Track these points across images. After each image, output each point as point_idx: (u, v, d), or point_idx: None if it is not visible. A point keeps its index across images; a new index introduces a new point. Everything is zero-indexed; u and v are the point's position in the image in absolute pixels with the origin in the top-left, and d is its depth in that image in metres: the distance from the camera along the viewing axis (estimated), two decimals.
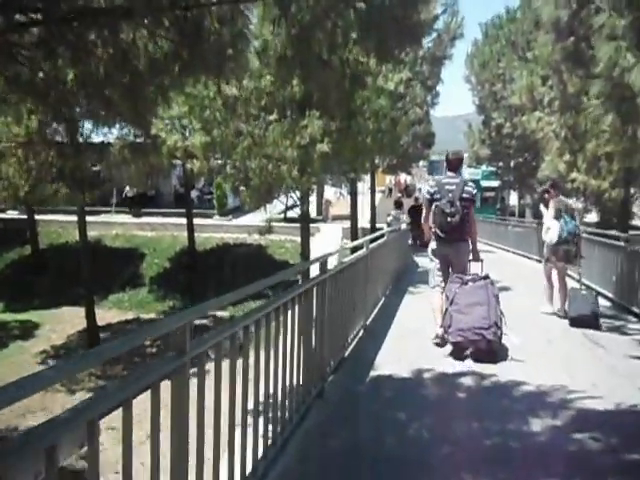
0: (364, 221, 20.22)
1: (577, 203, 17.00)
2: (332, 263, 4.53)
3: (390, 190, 28.34)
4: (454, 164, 5.57)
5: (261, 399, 2.79)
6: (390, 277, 8.40)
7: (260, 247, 19.07)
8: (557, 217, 6.48)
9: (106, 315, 15.98)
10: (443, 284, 5.41)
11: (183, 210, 18.80)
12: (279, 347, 3.02)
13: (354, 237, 15.00)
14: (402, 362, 4.74)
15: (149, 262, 18.55)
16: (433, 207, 5.31)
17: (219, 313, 13.86)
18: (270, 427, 2.85)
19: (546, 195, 7.16)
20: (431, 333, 5.71)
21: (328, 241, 19.19)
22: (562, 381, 4.27)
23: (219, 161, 8.43)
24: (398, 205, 14.87)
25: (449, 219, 5.19)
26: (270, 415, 2.88)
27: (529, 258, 12.92)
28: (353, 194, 15.10)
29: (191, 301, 16.27)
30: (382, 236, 7.66)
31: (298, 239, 20.85)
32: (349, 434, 3.35)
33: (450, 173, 5.52)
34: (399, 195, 20.13)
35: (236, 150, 8.02)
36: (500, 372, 4.42)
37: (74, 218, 20.81)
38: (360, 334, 5.47)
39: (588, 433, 3.36)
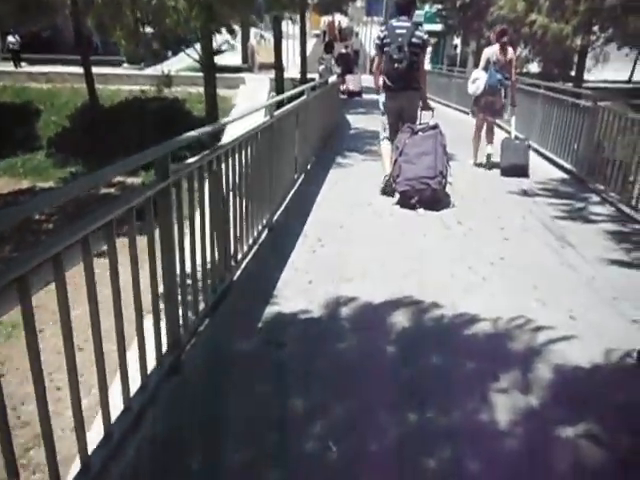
0: (295, 71, 17.64)
1: (520, 52, 15.31)
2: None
3: (325, 34, 24.98)
4: (404, 6, 5.15)
5: None
6: (314, 145, 6.69)
7: (176, 101, 16.41)
8: (485, 68, 6.18)
9: None
10: (391, 137, 5.30)
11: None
12: None
13: (280, 90, 12.72)
14: (315, 286, 3.29)
15: (45, 120, 15.65)
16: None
17: (129, 180, 11.89)
18: None
19: (491, 35, 6.68)
20: (360, 228, 4.37)
21: (253, 95, 16.78)
22: (528, 311, 3.01)
23: None
24: (329, 49, 12.52)
25: (396, 65, 5.00)
26: None
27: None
28: (277, 38, 12.44)
29: (97, 166, 14.00)
30: (302, 94, 5.78)
31: (220, 92, 18.26)
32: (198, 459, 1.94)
33: (402, 17, 5.11)
34: (331, 39, 17.46)
35: None
36: (448, 302, 3.08)
37: None
38: (262, 239, 3.92)
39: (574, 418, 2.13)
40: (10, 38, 18.98)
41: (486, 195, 5.45)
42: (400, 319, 2.92)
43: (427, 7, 20.43)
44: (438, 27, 18.76)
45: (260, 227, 3.92)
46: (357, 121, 10.39)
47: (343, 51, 14.73)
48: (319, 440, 2.05)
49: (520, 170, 6.09)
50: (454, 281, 3.40)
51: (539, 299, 3.17)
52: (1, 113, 15.36)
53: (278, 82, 12.82)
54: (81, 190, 1.77)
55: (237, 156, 3.19)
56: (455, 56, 19.53)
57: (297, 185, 5.37)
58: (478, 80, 6.18)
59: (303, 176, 5.72)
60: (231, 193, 3.14)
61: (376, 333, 2.79)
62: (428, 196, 4.82)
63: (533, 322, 2.91)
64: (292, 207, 4.79)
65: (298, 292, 3.19)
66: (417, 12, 20.04)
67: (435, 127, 5.09)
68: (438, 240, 4.15)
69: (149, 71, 18.39)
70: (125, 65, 18.58)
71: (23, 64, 18.82)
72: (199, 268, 2.67)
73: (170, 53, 20.12)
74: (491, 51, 6.21)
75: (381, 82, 5.25)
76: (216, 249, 2.92)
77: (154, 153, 2.10)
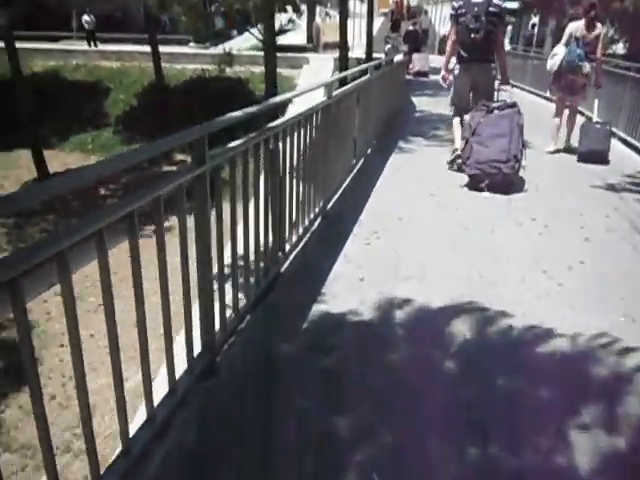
0: (361, 51, 17.12)
1: (607, 31, 14.14)
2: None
3: (392, 13, 24.11)
4: None
5: None
6: (375, 127, 6.32)
7: (240, 81, 16.38)
8: (567, 43, 5.76)
9: (67, 159, 14.07)
10: (461, 112, 5.12)
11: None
12: None
13: (344, 70, 12.32)
14: (367, 283, 3.00)
15: (114, 98, 16.05)
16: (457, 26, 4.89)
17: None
18: None
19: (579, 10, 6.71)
20: (421, 221, 4.03)
21: (317, 74, 16.45)
22: (613, 328, 2.59)
23: None
24: (395, 27, 12.03)
25: (472, 35, 4.79)
26: None
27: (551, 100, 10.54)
28: (342, 15, 11.99)
29: None
30: (365, 73, 5.42)
31: (283, 71, 18.07)
32: None
33: None
34: (397, 17, 16.82)
35: None
36: (518, 312, 2.70)
37: (37, 45, 17.84)
38: (314, 227, 3.66)
39: None
40: (86, 17, 19.47)
41: (564, 187, 4.92)
42: (461, 328, 2.59)
43: None
44: (514, 4, 17.55)
45: (313, 215, 3.65)
46: (423, 103, 9.88)
47: (411, 28, 14.11)
48: (360, 469, 1.78)
49: (599, 156, 5.63)
50: (526, 287, 3.01)
51: (627, 314, 2.73)
52: (74, 91, 15.88)
53: (342, 62, 12.40)
54: (113, 169, 1.59)
55: (289, 139, 2.93)
56: (532, 36, 18.24)
57: (355, 171, 5.05)
58: (556, 56, 5.81)
59: (362, 161, 5.39)
60: (281, 179, 2.90)
61: (433, 343, 2.47)
62: (499, 181, 4.56)
63: (620, 342, 2.49)
64: (349, 194, 4.49)
65: (349, 290, 2.92)
66: None
67: (513, 105, 4.80)
68: (508, 238, 3.74)
69: (214, 50, 18.43)
70: (191, 44, 18.69)
71: (98, 43, 19.31)
72: (240, 261, 2.45)
73: (235, 32, 20.10)
74: (576, 26, 5.76)
75: (453, 62, 5.07)
76: (261, 239, 2.69)
77: (190, 135, 1.87)
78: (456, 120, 5.20)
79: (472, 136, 4.71)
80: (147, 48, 15.86)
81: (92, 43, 19.12)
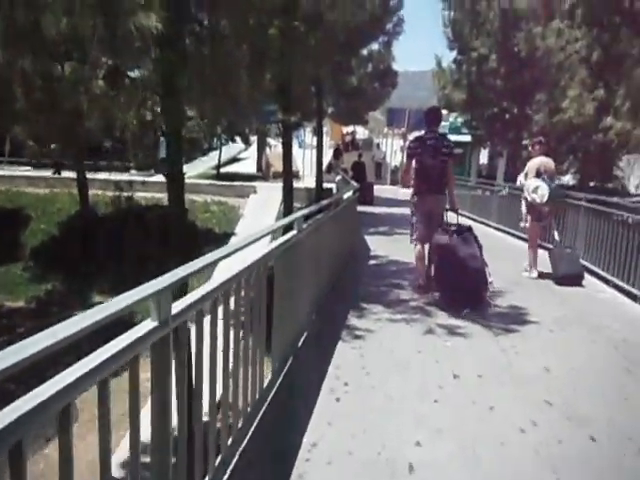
0: (312, 180, 15.88)
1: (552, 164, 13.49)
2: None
3: (346, 144, 23.67)
4: (433, 119, 5.40)
5: None
6: (313, 295, 4.20)
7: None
8: (538, 177, 5.99)
9: None
10: (421, 236, 5.21)
11: (91, 162, 14.06)
12: None
13: (288, 205, 10.60)
14: None
15: (34, 228, 13.80)
16: (414, 162, 5.21)
17: None
18: None
19: (530, 148, 6.64)
20: None
21: (265, 203, 14.90)
22: None
23: None
24: (337, 155, 10.93)
25: (429, 172, 5.10)
26: None
27: (511, 234, 8.92)
28: (286, 146, 10.54)
29: (79, 283, 11.77)
30: (290, 227, 3.39)
31: (229, 200, 16.45)
32: None
33: (431, 128, 5.30)
34: (339, 145, 16.00)
35: None
36: None
37: None
38: None
39: None
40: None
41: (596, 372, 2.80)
42: None
43: (451, 118, 18.98)
44: (466, 138, 17.00)
45: None
46: (378, 245, 8.03)
47: (357, 159, 13.18)
48: None
49: (577, 279, 5.81)
50: None
51: None
52: None
53: (286, 194, 10.68)
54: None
55: None
56: (483, 168, 17.64)
57: (271, 396, 2.79)
58: (539, 188, 5.89)
59: (287, 368, 3.15)
60: None
61: None
62: (476, 299, 4.62)
63: None
64: (249, 472, 2.17)
65: None
66: (442, 123, 18.82)
67: (469, 229, 5.04)
68: None
69: (157, 177, 16.83)
70: (132, 171, 17.07)
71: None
72: None
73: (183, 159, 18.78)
74: (539, 161, 6.03)
75: (411, 190, 5.30)
76: None
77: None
78: (418, 249, 5.24)
79: (441, 258, 4.79)
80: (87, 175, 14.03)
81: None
